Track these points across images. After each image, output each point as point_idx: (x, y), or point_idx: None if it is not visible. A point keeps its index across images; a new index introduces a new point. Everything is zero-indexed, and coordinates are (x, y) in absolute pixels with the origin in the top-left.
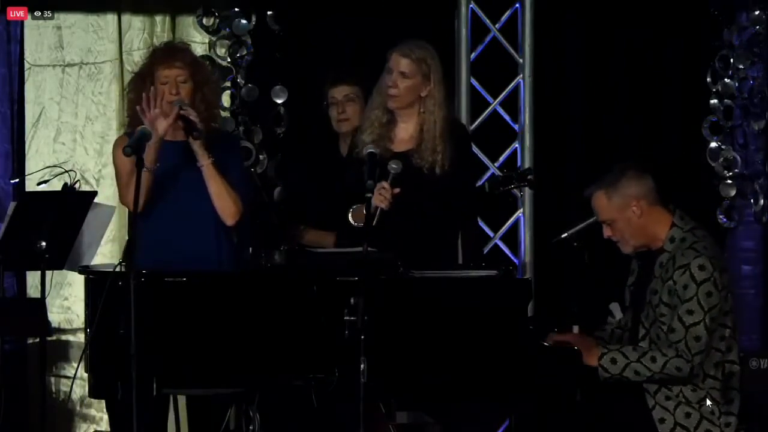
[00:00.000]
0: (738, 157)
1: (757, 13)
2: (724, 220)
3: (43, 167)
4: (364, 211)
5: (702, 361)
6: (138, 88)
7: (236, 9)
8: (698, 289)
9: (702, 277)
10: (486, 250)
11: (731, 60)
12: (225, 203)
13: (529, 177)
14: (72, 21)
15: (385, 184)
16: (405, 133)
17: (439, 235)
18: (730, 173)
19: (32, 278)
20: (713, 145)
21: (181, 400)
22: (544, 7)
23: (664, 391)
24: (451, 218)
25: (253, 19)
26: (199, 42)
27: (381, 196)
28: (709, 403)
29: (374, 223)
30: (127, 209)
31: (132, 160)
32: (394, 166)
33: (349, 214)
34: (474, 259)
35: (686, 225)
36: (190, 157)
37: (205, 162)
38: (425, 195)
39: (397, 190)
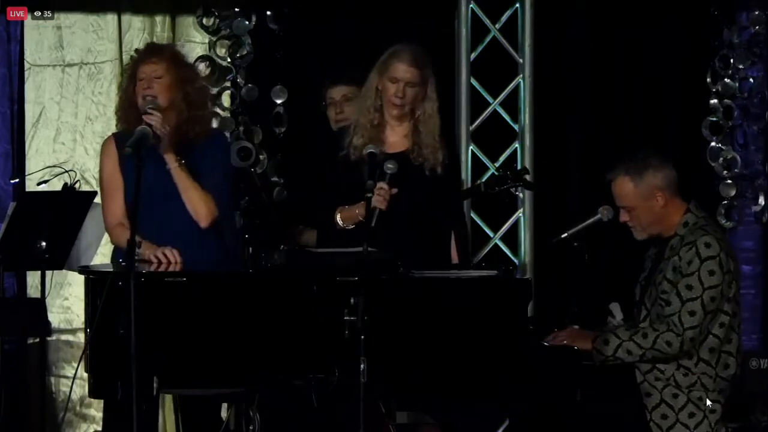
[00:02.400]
0: (738, 157)
1: (757, 13)
2: (724, 220)
3: (43, 167)
4: (356, 212)
5: (694, 338)
6: (124, 90)
7: (236, 9)
8: (701, 265)
9: (707, 254)
10: (486, 250)
11: (731, 60)
12: (195, 205)
13: (524, 176)
14: (72, 21)
15: (383, 185)
16: (397, 135)
17: (434, 235)
18: (730, 173)
19: (32, 278)
20: (713, 145)
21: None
22: (544, 7)
23: (655, 372)
24: (449, 218)
25: (253, 19)
26: (199, 42)
27: (380, 197)
28: (699, 389)
29: (373, 224)
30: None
31: (117, 173)
32: (390, 166)
33: (338, 215)
34: (465, 257)
35: (700, 213)
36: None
37: (172, 165)
38: (428, 194)
39: (394, 190)
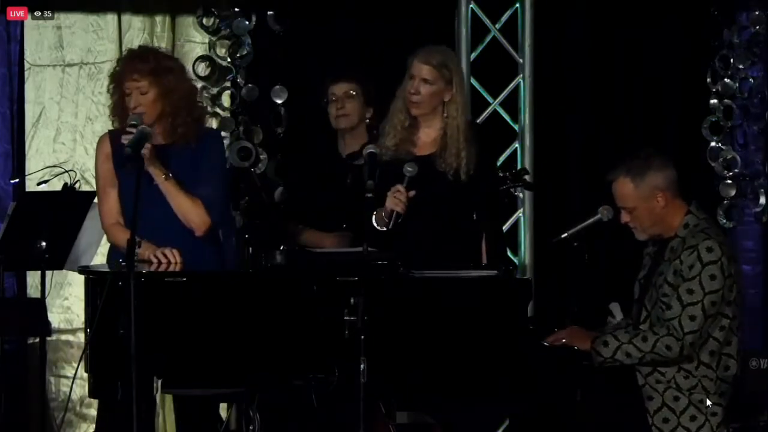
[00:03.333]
0: (738, 157)
1: (757, 13)
2: (724, 220)
3: (43, 167)
4: (383, 214)
5: (694, 342)
6: (112, 94)
7: (236, 9)
8: (702, 269)
9: (709, 259)
10: None
11: (731, 60)
12: (187, 215)
13: (524, 177)
14: (72, 21)
15: (401, 188)
16: (428, 137)
17: (457, 238)
18: (730, 173)
19: (32, 278)
20: (713, 145)
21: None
22: (544, 7)
23: (656, 375)
24: (473, 225)
25: (253, 19)
26: (199, 42)
27: (396, 200)
28: (700, 391)
29: (390, 227)
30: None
31: (111, 171)
32: (409, 169)
33: (373, 218)
34: (493, 259)
35: (701, 214)
36: (169, 161)
37: (158, 180)
38: (448, 200)
39: (412, 193)
